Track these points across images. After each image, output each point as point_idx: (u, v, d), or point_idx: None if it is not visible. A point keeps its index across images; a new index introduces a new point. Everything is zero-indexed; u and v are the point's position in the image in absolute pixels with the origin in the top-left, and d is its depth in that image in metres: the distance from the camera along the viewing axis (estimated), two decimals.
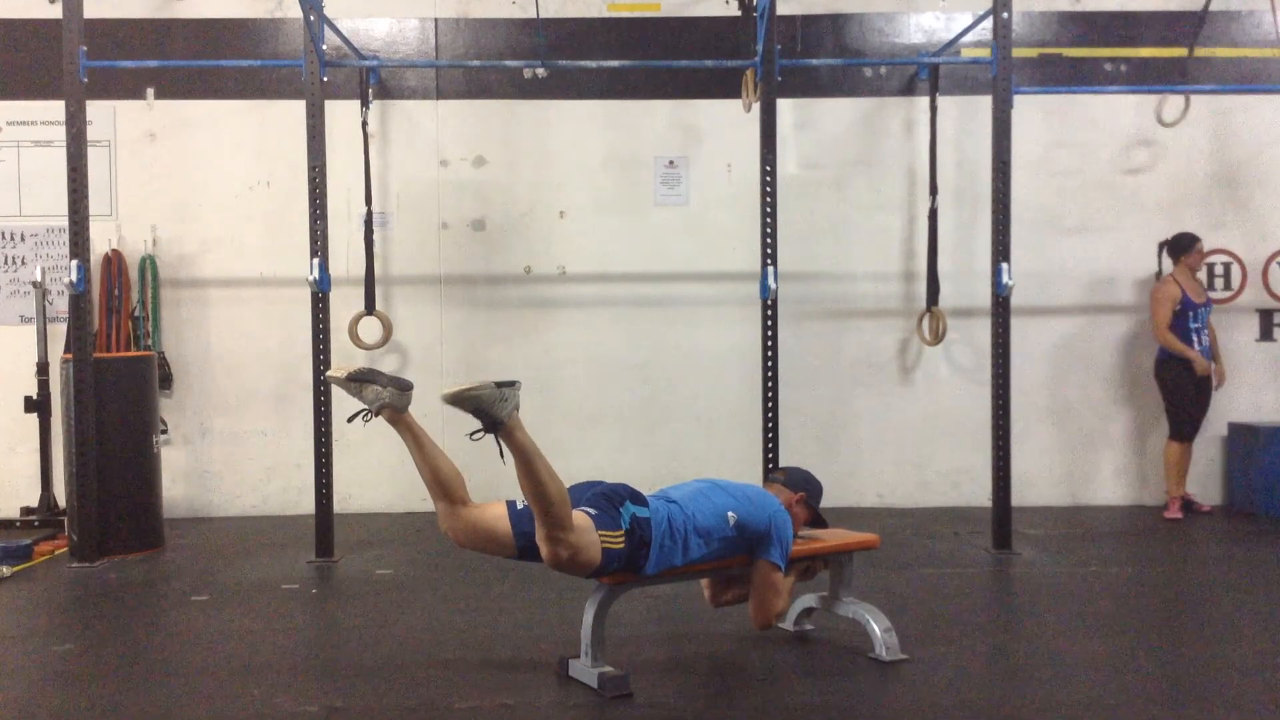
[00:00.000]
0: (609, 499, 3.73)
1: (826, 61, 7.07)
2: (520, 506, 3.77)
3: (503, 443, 3.54)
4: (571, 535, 3.51)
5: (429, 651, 4.25)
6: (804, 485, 4.29)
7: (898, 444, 7.28)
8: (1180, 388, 6.79)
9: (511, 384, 3.49)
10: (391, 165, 7.20)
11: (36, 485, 6.74)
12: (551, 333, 7.22)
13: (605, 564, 3.62)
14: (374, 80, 7.01)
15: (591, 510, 3.67)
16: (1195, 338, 6.76)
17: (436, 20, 7.20)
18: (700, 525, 3.83)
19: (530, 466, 3.49)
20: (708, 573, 4.11)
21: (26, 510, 6.79)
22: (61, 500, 6.55)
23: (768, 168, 5.98)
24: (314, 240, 5.88)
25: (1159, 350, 6.88)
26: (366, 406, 3.68)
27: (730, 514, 3.88)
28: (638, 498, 3.81)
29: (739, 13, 6.66)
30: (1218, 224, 7.26)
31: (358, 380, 3.68)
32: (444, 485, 3.81)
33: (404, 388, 3.74)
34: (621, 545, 3.64)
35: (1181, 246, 6.86)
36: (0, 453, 7.09)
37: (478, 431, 3.54)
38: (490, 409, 3.45)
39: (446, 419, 7.15)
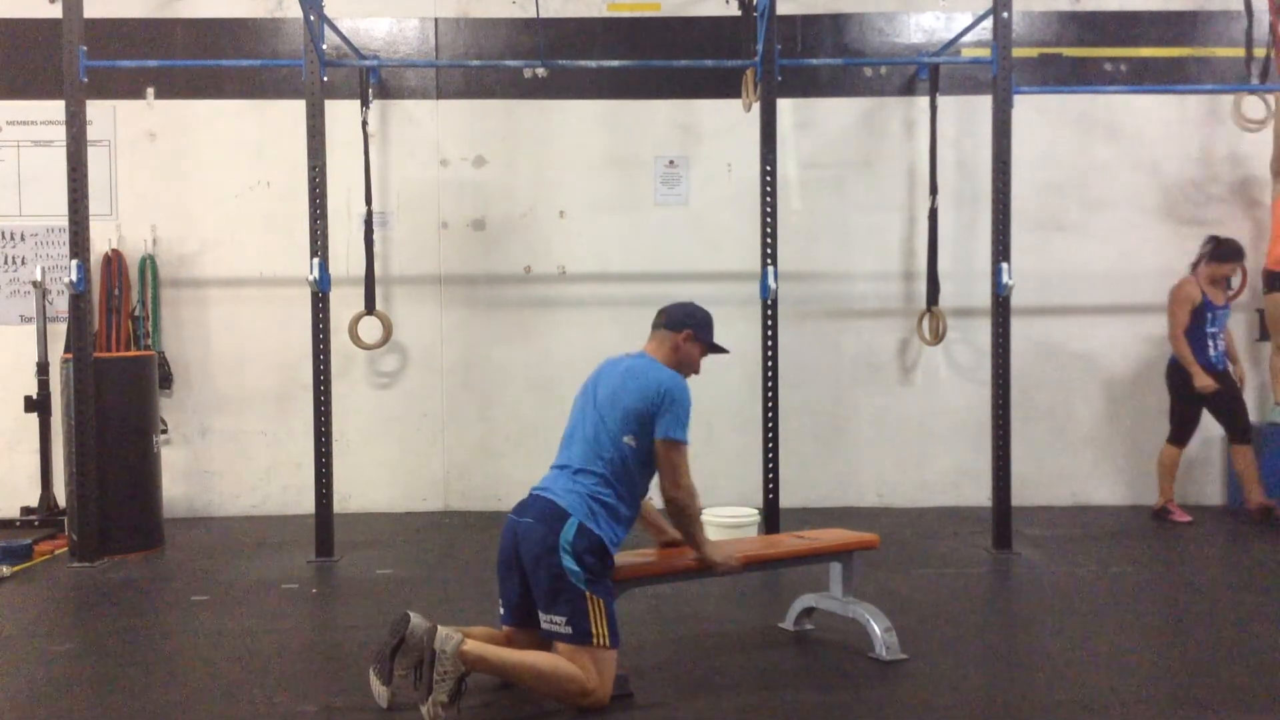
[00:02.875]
0: (550, 582, 3.52)
1: (826, 61, 7.07)
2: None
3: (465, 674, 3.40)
4: (591, 687, 3.47)
5: None
6: (686, 320, 3.97)
7: (898, 444, 7.28)
8: (1186, 396, 6.74)
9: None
10: (391, 165, 7.20)
11: (36, 485, 6.74)
12: (551, 333, 7.21)
13: (615, 631, 3.56)
14: (374, 80, 7.01)
15: (566, 630, 3.50)
16: (1211, 342, 6.70)
17: (436, 20, 7.20)
18: (623, 481, 3.69)
19: (508, 677, 3.52)
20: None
21: (26, 510, 6.78)
22: (61, 500, 6.54)
23: (768, 168, 5.98)
24: (314, 240, 5.88)
25: (1172, 354, 6.84)
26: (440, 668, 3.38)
27: (626, 439, 3.70)
28: (568, 524, 3.57)
29: (739, 13, 6.66)
30: (1218, 224, 7.25)
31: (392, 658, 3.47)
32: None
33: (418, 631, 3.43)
34: (606, 610, 3.54)
35: (1223, 255, 6.70)
36: (0, 453, 7.09)
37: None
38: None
39: (446, 420, 7.20)
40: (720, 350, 4.07)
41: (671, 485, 3.75)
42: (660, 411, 3.71)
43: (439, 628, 3.40)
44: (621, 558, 3.95)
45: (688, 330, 3.95)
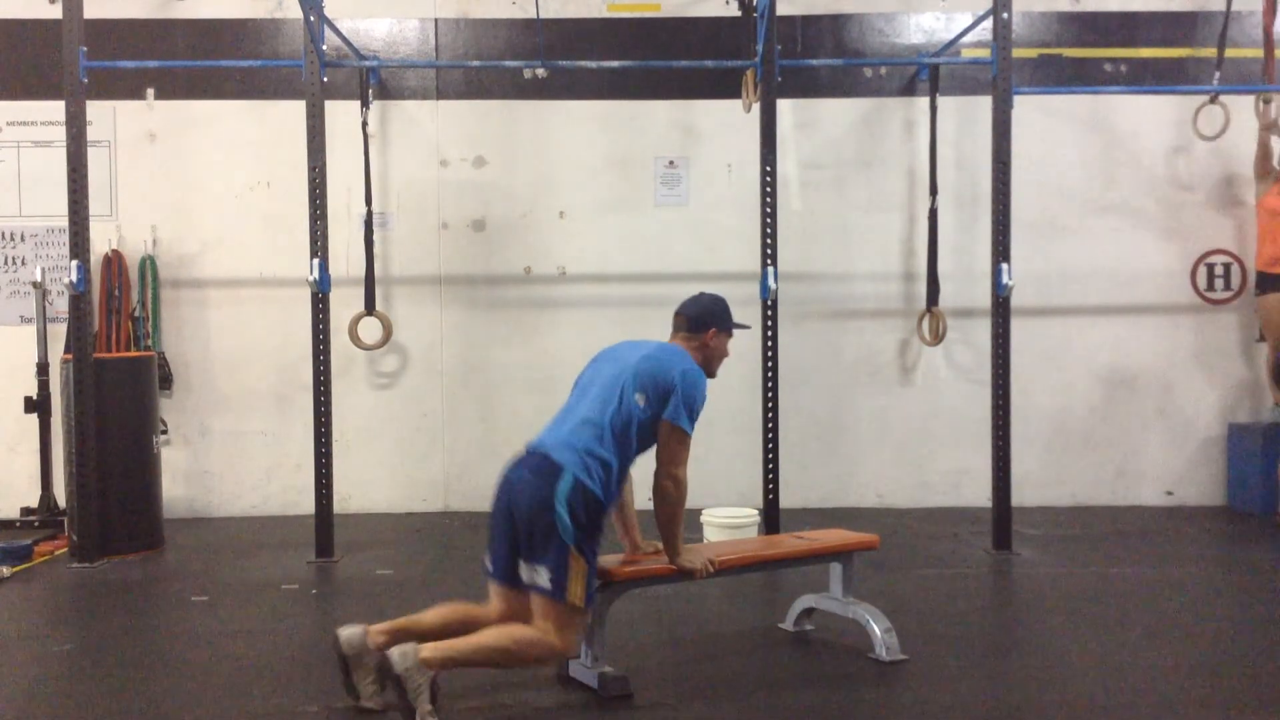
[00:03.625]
0: (540, 534, 3.52)
1: (826, 62, 7.07)
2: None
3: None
4: (559, 646, 3.52)
5: None
6: (707, 319, 3.97)
7: (898, 444, 7.28)
8: None
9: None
10: (391, 165, 7.20)
11: (36, 485, 6.74)
12: (551, 333, 7.21)
13: (591, 595, 3.57)
14: (374, 80, 7.01)
15: (544, 583, 3.51)
16: None
17: (436, 20, 7.20)
18: (619, 439, 3.64)
19: (474, 665, 3.54)
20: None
21: (26, 510, 6.78)
22: (61, 500, 6.54)
23: (768, 168, 5.98)
24: (314, 240, 5.88)
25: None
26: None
27: (638, 396, 3.67)
28: (563, 478, 3.54)
29: (739, 13, 6.66)
30: (1218, 223, 7.26)
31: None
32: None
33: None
34: (587, 572, 3.53)
35: None
36: (0, 453, 7.09)
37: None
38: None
39: (446, 420, 7.20)
40: (743, 326, 4.11)
41: (666, 471, 3.70)
42: (674, 392, 3.68)
43: (392, 653, 3.35)
44: (621, 558, 3.95)
45: (712, 329, 3.97)
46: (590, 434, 3.64)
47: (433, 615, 3.70)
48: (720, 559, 3.98)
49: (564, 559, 3.49)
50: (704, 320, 3.96)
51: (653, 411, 3.68)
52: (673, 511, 3.76)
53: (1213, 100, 6.82)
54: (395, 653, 3.35)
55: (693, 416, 3.72)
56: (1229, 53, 6.89)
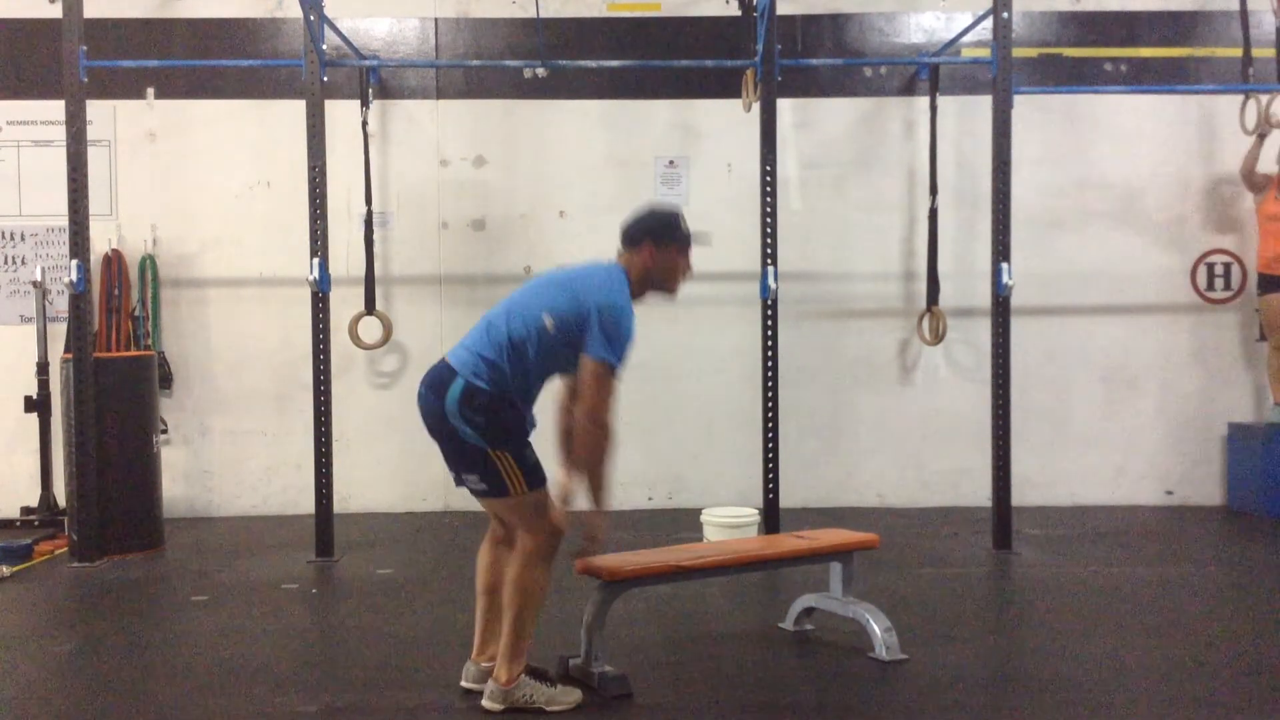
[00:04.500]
0: (454, 447, 3.47)
1: (826, 61, 7.07)
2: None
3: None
4: (537, 541, 3.48)
5: (429, 651, 4.25)
6: (640, 233, 3.58)
7: (898, 444, 7.28)
8: None
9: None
10: (391, 165, 7.20)
11: (36, 485, 6.74)
12: None
13: (534, 476, 3.46)
14: (374, 80, 7.01)
15: (484, 487, 3.47)
16: None
17: (436, 20, 7.20)
18: (516, 349, 3.44)
19: (527, 619, 3.55)
20: None
21: (26, 510, 6.78)
22: (61, 500, 6.54)
23: (768, 168, 5.98)
24: (314, 240, 5.88)
25: None
26: None
27: (545, 316, 3.43)
28: (453, 383, 3.43)
29: (739, 13, 6.66)
30: (1218, 223, 7.26)
31: None
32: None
33: None
34: (515, 461, 3.43)
35: None
36: (0, 453, 7.09)
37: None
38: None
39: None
40: (694, 240, 3.62)
41: (589, 415, 3.37)
42: (590, 324, 3.37)
43: (484, 703, 3.50)
44: (621, 558, 3.94)
45: (647, 244, 3.56)
46: (487, 340, 3.48)
47: (482, 604, 3.74)
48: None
49: (485, 462, 3.43)
50: (636, 235, 3.58)
51: (563, 338, 3.42)
52: (595, 458, 3.44)
53: (1248, 97, 6.79)
54: (486, 701, 3.50)
55: (616, 351, 3.37)
56: (1228, 52, 6.89)
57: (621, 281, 3.52)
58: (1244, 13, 6.68)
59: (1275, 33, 6.72)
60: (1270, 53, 6.70)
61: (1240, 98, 6.87)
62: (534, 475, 3.48)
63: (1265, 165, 6.90)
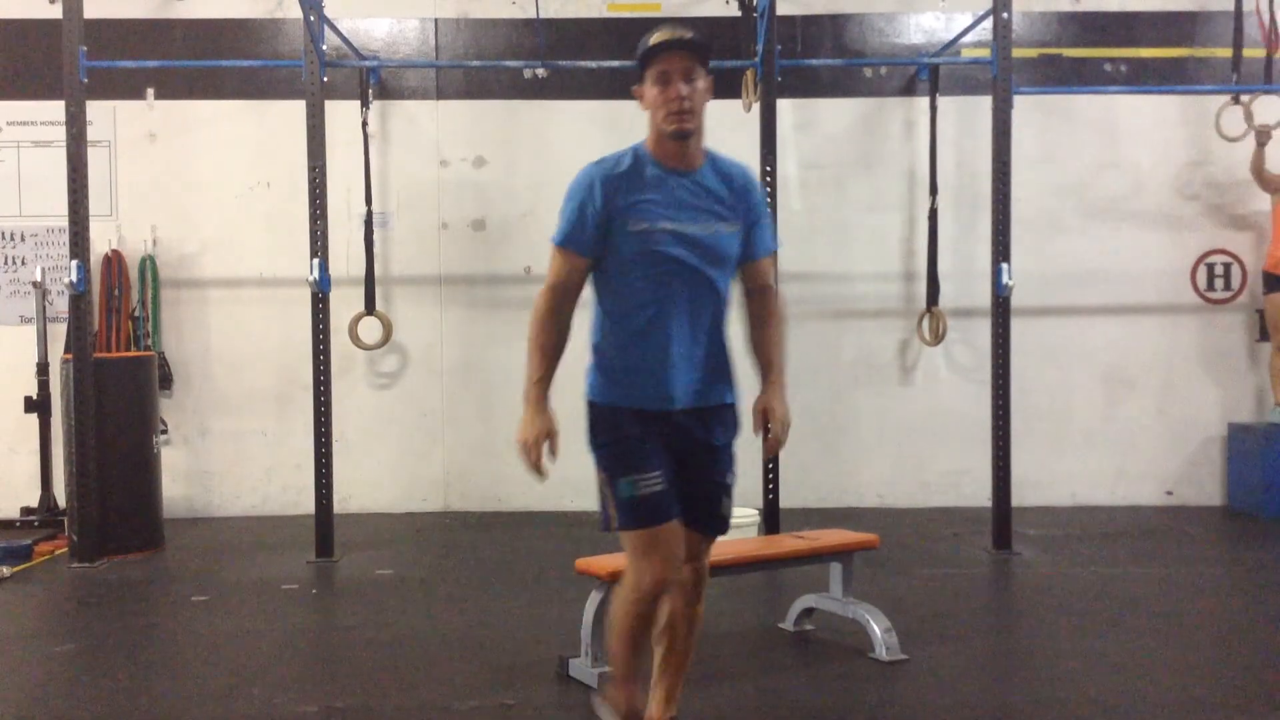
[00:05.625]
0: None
1: (826, 61, 7.07)
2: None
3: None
4: (627, 585, 2.97)
5: (429, 651, 4.25)
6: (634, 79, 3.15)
7: (898, 444, 7.28)
8: None
9: None
10: (391, 165, 7.20)
11: (36, 485, 6.74)
12: None
13: (627, 505, 2.95)
14: (374, 80, 7.01)
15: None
16: None
17: (436, 20, 7.20)
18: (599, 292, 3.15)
19: (633, 650, 3.08)
20: None
21: (26, 510, 6.78)
22: (61, 500, 6.54)
23: (768, 168, 5.98)
24: (314, 240, 5.88)
25: None
26: None
27: None
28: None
29: (739, 13, 6.66)
30: (1218, 223, 7.26)
31: None
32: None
33: None
34: (610, 486, 2.94)
35: None
36: (0, 453, 7.09)
37: None
38: None
39: (446, 420, 7.19)
40: (663, 50, 3.07)
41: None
42: None
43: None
44: (621, 558, 3.88)
45: (637, 87, 3.20)
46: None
47: (660, 652, 3.20)
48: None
49: (599, 485, 2.98)
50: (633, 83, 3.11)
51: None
52: (530, 335, 3.12)
53: (1234, 100, 6.78)
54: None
55: (561, 221, 3.20)
56: (1228, 53, 6.88)
57: (593, 163, 3.30)
58: (1238, 14, 6.67)
59: (1262, 33, 6.73)
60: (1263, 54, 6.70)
61: (1221, 101, 6.84)
62: (626, 508, 3.00)
63: (1274, 165, 6.89)
